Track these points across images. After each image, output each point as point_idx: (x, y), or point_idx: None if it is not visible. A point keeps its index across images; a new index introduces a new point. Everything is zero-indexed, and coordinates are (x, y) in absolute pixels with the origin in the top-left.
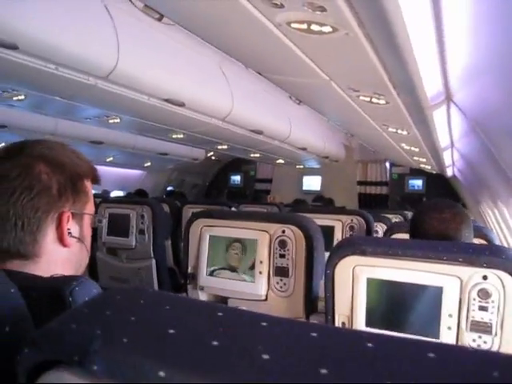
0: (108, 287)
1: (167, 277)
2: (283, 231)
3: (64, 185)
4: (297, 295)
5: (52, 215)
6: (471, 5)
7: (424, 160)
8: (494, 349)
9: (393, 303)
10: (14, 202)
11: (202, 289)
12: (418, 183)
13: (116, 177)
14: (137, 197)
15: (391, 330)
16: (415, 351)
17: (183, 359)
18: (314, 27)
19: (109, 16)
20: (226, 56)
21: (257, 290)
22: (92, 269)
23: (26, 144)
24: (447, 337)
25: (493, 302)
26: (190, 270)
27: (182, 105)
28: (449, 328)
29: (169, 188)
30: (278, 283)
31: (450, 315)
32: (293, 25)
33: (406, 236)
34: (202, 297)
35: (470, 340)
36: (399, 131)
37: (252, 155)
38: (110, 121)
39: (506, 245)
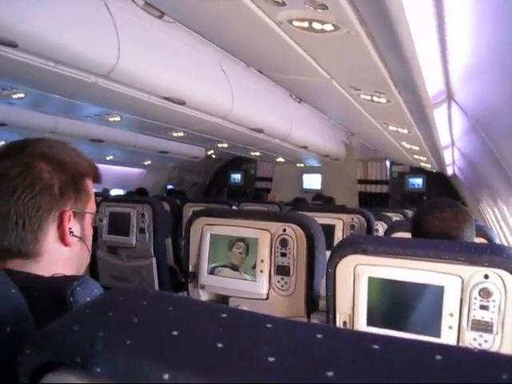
0: (109, 286)
1: (168, 275)
2: (284, 230)
3: (65, 183)
4: (298, 294)
5: (53, 214)
6: (473, 3)
7: (424, 159)
8: (495, 347)
9: (394, 302)
10: (15, 200)
11: (202, 287)
12: (418, 182)
13: (116, 175)
14: (137, 195)
15: (392, 329)
16: (421, 353)
17: (187, 362)
18: (316, 25)
19: (109, 14)
20: (226, 54)
21: (258, 288)
22: (92, 267)
23: (27, 143)
24: (448, 336)
25: (494, 301)
26: (190, 268)
27: (182, 103)
28: (450, 327)
29: (169, 186)
30: (279, 282)
31: (451, 314)
32: (294, 23)
33: (407, 235)
34: (203, 295)
35: (471, 339)
36: (400, 130)
37: (252, 154)
38: (111, 119)
39: (506, 244)
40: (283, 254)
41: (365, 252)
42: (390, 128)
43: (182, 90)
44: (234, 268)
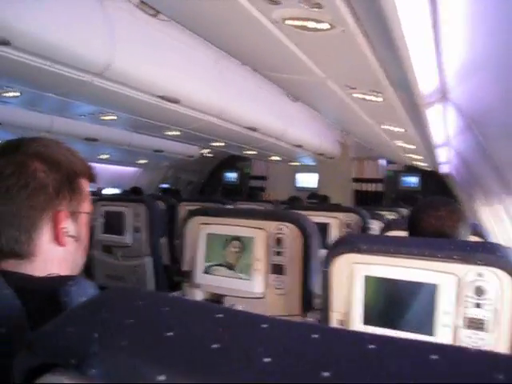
0: (105, 286)
1: (163, 274)
2: (280, 229)
3: (60, 183)
4: (293, 293)
5: (48, 214)
6: (468, 3)
7: (419, 157)
8: (491, 346)
9: (389, 301)
10: (9, 200)
11: (198, 287)
12: (413, 180)
13: (111, 174)
14: (132, 195)
15: (388, 328)
16: (417, 353)
17: (183, 362)
18: (311, 24)
19: (104, 12)
20: (222, 53)
21: (253, 287)
22: (88, 267)
23: (22, 142)
24: (443, 334)
25: (488, 299)
26: (186, 267)
27: (177, 102)
28: (445, 325)
29: (163, 185)
30: (274, 281)
31: (446, 312)
32: (289, 22)
33: (403, 233)
34: (199, 294)
35: (466, 337)
36: (395, 128)
37: (247, 152)
38: (105, 118)
39: (498, 242)
40: (279, 253)
41: (360, 251)
42: (385, 127)
43: (177, 88)
44: (230, 267)
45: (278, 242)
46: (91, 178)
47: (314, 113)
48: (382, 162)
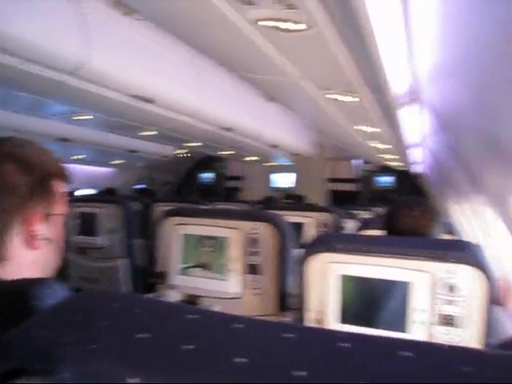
0: (79, 288)
1: (138, 276)
2: (255, 229)
3: (33, 185)
4: (269, 292)
5: (20, 216)
6: (439, 7)
7: (394, 157)
8: (465, 341)
9: (364, 299)
10: None
11: (173, 288)
12: (388, 180)
13: (86, 175)
14: (107, 195)
15: (364, 326)
16: (391, 350)
17: (156, 365)
18: (285, 25)
19: (78, 11)
20: (197, 53)
21: (229, 288)
22: (61, 269)
23: None
24: (418, 331)
25: (461, 296)
26: (161, 268)
27: (151, 101)
28: (418, 322)
29: (138, 186)
30: (251, 281)
31: (420, 310)
32: (264, 22)
33: (379, 232)
34: (174, 296)
35: (440, 333)
36: (370, 129)
37: (222, 153)
38: (79, 118)
39: (470, 240)
40: (254, 253)
41: (335, 250)
42: (360, 127)
43: (151, 87)
44: (205, 268)
45: (254, 242)
46: (65, 178)
47: (291, 113)
48: (359, 162)
